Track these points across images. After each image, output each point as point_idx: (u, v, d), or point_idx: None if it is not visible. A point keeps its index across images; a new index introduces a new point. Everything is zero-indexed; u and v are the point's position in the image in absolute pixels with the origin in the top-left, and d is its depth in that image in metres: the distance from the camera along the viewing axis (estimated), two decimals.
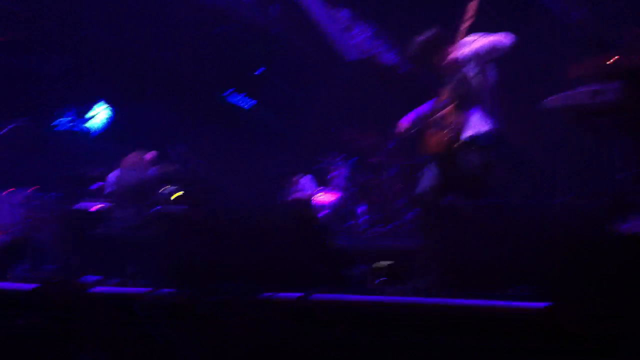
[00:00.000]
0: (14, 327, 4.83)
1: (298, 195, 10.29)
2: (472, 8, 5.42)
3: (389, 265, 5.39)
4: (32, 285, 5.13)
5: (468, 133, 5.28)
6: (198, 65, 11.54)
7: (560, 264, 3.57)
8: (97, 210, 8.91)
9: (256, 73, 11.84)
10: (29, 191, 9.33)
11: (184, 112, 11.99)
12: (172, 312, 4.39)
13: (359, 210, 9.67)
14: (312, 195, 10.15)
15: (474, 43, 5.26)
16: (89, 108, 12.54)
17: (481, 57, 5.23)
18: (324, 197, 10.04)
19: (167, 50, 11.98)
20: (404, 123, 5.70)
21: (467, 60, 5.27)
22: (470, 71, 5.30)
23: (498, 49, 5.21)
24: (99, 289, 5.13)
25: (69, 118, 12.38)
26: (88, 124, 12.54)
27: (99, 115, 12.54)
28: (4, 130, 7.89)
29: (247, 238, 4.77)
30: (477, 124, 5.29)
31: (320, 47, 10.86)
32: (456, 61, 5.29)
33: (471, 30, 5.45)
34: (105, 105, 12.52)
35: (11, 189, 9.30)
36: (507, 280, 3.93)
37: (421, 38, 5.53)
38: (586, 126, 6.38)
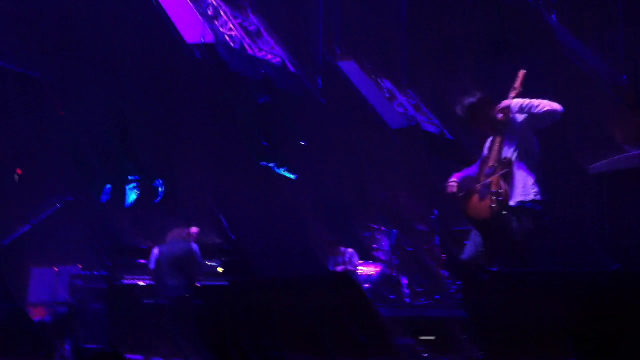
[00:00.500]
0: None
1: (344, 267, 10.23)
2: (521, 76, 5.45)
3: (434, 338, 5.28)
4: None
5: (516, 199, 5.23)
6: (242, 133, 11.71)
7: (611, 334, 3.46)
8: (145, 285, 8.98)
9: (302, 142, 11.97)
10: (73, 269, 9.47)
11: (231, 182, 12.12)
12: None
13: (404, 281, 9.56)
14: (357, 266, 10.08)
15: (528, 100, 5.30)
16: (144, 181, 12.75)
17: (534, 116, 5.23)
18: (368, 269, 9.97)
19: (212, 123, 12.21)
20: (453, 186, 5.63)
21: (520, 109, 5.28)
22: (519, 126, 5.31)
23: (552, 115, 5.21)
24: None
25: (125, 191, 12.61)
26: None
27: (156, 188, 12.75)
28: (53, 208, 8.04)
29: (293, 308, 4.74)
30: (524, 191, 5.24)
31: (364, 116, 10.97)
32: (509, 108, 5.32)
33: (518, 97, 5.46)
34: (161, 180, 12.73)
35: (55, 268, 9.45)
36: (557, 350, 3.81)
37: (470, 100, 5.56)
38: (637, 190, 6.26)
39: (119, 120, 12.20)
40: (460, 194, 5.50)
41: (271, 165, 12.20)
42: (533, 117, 5.26)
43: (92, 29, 13.14)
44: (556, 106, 5.21)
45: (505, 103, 5.38)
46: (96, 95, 13.25)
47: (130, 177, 12.64)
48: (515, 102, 5.33)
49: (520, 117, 5.34)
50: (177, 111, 12.05)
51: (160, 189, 12.77)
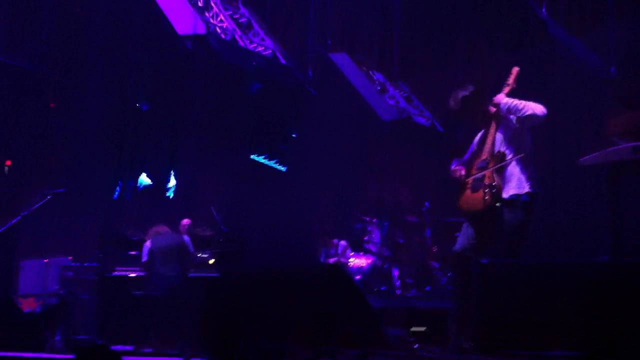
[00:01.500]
0: None
1: (336, 258, 10.24)
2: (514, 73, 5.49)
3: (425, 329, 5.31)
4: (67, 356, 5.14)
5: (509, 192, 5.25)
6: (233, 125, 11.70)
7: (601, 325, 3.49)
8: (135, 276, 8.97)
9: (293, 135, 11.96)
10: (63, 261, 9.45)
11: (220, 173, 12.10)
12: None
13: (395, 272, 9.58)
14: (349, 257, 10.10)
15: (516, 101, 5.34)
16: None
17: (520, 119, 5.27)
18: (359, 260, 9.98)
19: (203, 112, 12.18)
20: (460, 170, 5.59)
21: (507, 110, 5.32)
22: (512, 121, 5.35)
23: (533, 118, 5.25)
24: (131, 359, 5.12)
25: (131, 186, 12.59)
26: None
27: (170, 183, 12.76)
28: (45, 199, 8.01)
29: (283, 298, 4.75)
30: (518, 184, 5.27)
31: (355, 108, 10.98)
32: (499, 106, 5.36)
33: (511, 93, 5.51)
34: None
35: (46, 259, 9.43)
36: (548, 342, 3.84)
37: (463, 92, 5.59)
38: (627, 183, 6.29)
39: (116, 112, 12.19)
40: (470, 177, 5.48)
41: (261, 157, 12.18)
42: (519, 117, 5.31)
43: (85, 22, 13.11)
44: (539, 110, 5.25)
45: (496, 99, 5.43)
46: (90, 88, 13.22)
47: (134, 170, 12.62)
48: (504, 103, 5.37)
49: (532, 103, 5.37)
50: (170, 103, 12.02)
51: (171, 184, 12.77)
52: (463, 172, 5.52)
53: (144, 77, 12.11)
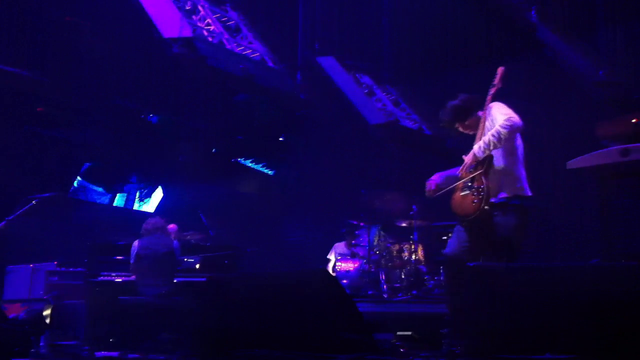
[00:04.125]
0: None
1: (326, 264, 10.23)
2: (499, 73, 5.49)
3: (412, 333, 5.29)
4: None
5: (499, 195, 5.24)
6: (223, 131, 11.65)
7: (592, 327, 3.46)
8: (122, 281, 8.89)
9: (280, 139, 11.93)
10: (49, 266, 9.37)
11: (208, 179, 12.06)
12: None
13: (382, 276, 9.55)
14: (337, 262, 10.07)
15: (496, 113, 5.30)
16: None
17: (499, 137, 5.21)
18: (347, 264, 9.95)
19: (192, 119, 12.14)
20: (432, 184, 5.66)
21: (484, 150, 5.28)
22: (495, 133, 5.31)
23: (508, 135, 5.20)
24: None
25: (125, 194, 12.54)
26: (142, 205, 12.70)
27: (155, 197, 12.73)
28: (32, 202, 7.93)
29: (272, 304, 4.71)
30: (507, 186, 5.26)
31: (343, 111, 10.98)
32: (474, 159, 5.33)
33: (499, 94, 5.49)
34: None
35: (31, 264, 9.35)
36: (539, 345, 3.81)
37: (453, 102, 5.60)
38: (616, 185, 6.29)
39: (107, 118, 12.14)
40: (439, 192, 5.52)
41: (248, 161, 12.14)
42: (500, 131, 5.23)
43: (72, 27, 13.04)
44: (505, 130, 5.14)
45: (467, 160, 5.37)
46: (79, 93, 13.15)
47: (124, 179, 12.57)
48: (477, 150, 5.30)
49: (499, 117, 5.32)
50: (157, 106, 11.97)
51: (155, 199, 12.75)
52: (433, 187, 5.56)
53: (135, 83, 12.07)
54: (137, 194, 12.87)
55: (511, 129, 5.14)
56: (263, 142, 11.85)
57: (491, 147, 5.21)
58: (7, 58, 11.41)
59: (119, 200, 12.74)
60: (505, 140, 5.19)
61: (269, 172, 12.31)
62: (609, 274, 4.02)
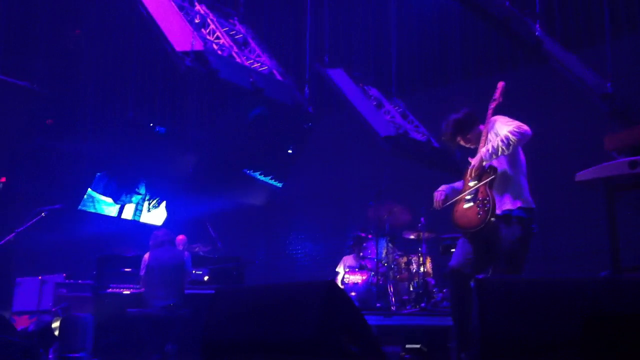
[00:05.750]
0: None
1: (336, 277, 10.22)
2: (500, 88, 5.52)
3: (420, 346, 5.27)
4: None
5: (503, 207, 5.24)
6: (230, 145, 11.69)
7: (601, 340, 3.45)
8: (130, 293, 8.91)
9: (289, 151, 11.94)
10: (58, 278, 9.40)
11: (215, 191, 12.09)
12: None
13: (391, 289, 9.54)
14: (345, 274, 10.06)
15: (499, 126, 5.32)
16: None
17: (508, 143, 5.23)
18: (355, 277, 9.94)
19: (201, 131, 12.19)
20: (440, 195, 5.66)
21: (491, 155, 5.30)
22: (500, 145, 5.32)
23: (518, 143, 5.21)
24: None
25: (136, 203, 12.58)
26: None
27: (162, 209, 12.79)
28: (42, 214, 7.97)
29: (280, 316, 4.71)
30: (511, 198, 5.26)
31: (352, 124, 11.00)
32: (480, 166, 5.35)
33: (499, 109, 5.51)
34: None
35: (40, 276, 9.39)
36: (546, 357, 3.80)
37: (455, 116, 5.62)
38: (623, 198, 6.27)
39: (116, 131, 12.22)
40: (447, 204, 5.52)
41: (256, 174, 12.16)
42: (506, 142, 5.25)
43: (83, 41, 13.17)
44: (513, 136, 5.17)
45: (474, 162, 5.39)
46: (88, 106, 13.25)
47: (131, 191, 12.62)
48: (485, 153, 5.31)
49: (503, 128, 5.33)
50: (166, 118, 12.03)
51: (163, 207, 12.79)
52: (442, 197, 5.57)
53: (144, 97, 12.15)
54: (146, 206, 12.91)
55: (521, 136, 5.16)
56: (272, 154, 11.88)
57: (499, 152, 5.22)
58: (18, 71, 11.52)
59: (127, 212, 12.78)
60: (513, 147, 5.20)
61: (277, 184, 12.32)
62: (621, 287, 4.01)
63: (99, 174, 12.19)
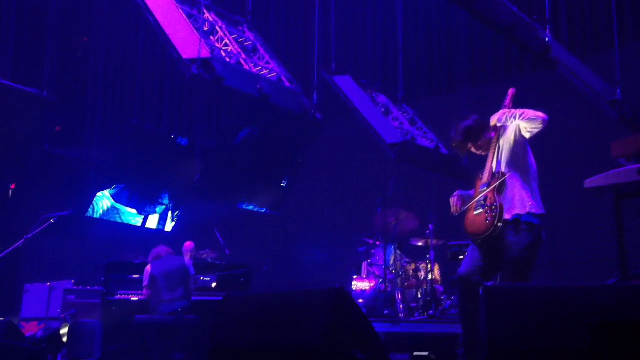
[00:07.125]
0: None
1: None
2: (510, 94, 5.52)
3: (429, 353, 5.25)
4: None
5: (512, 212, 5.23)
6: (238, 149, 11.69)
7: (610, 347, 3.43)
8: (138, 300, 8.93)
9: (297, 159, 11.93)
10: (66, 284, 9.42)
11: (223, 197, 12.09)
12: None
13: (398, 296, 9.52)
14: (353, 281, 10.05)
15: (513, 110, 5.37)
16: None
17: (519, 124, 5.26)
18: (362, 284, 9.93)
19: (208, 138, 12.21)
20: (458, 201, 5.61)
21: (505, 119, 5.32)
22: (510, 140, 5.33)
23: (535, 122, 5.23)
24: None
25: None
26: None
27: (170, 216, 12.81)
28: (50, 221, 8.00)
29: (288, 323, 4.70)
30: (520, 204, 5.24)
31: (360, 130, 11.00)
32: (497, 120, 5.37)
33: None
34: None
35: (48, 283, 9.42)
36: None
37: (465, 123, 5.61)
38: (631, 204, 6.26)
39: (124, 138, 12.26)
40: (464, 208, 5.50)
41: (264, 180, 12.14)
42: (519, 126, 5.30)
43: (94, 48, 13.23)
44: (540, 114, 5.24)
45: (493, 118, 5.44)
46: (95, 113, 13.30)
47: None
48: (501, 113, 5.37)
49: (510, 130, 5.36)
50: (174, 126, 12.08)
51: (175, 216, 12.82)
52: (460, 202, 5.55)
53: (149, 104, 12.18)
54: (170, 215, 12.94)
55: (542, 119, 5.18)
56: (280, 160, 11.88)
57: (517, 117, 5.24)
58: (27, 78, 11.58)
59: (151, 221, 12.78)
60: (534, 125, 5.21)
61: (284, 191, 12.31)
62: (629, 294, 3.99)
63: (118, 185, 12.20)
